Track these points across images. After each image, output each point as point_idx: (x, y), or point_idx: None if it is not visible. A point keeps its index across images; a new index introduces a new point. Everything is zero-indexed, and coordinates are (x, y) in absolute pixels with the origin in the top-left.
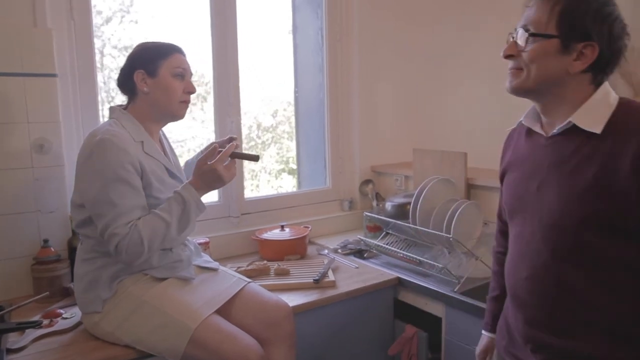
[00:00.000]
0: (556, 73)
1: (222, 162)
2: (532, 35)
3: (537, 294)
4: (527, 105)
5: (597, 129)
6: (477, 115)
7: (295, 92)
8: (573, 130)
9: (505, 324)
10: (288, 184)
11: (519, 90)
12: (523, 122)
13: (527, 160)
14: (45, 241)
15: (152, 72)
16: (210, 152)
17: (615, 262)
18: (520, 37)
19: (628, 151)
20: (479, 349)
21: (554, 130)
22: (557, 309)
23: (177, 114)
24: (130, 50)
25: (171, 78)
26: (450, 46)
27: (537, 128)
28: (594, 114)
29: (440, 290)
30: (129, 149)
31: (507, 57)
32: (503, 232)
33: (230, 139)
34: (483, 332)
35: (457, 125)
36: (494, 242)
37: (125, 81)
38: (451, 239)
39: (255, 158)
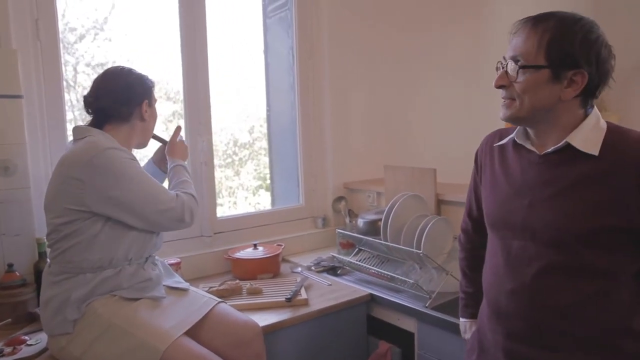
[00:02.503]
0: (548, 101)
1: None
2: (522, 67)
3: (522, 307)
4: (494, 123)
5: (595, 151)
6: (447, 131)
7: (267, 110)
8: (567, 150)
9: (477, 338)
10: (265, 201)
11: (513, 120)
12: (516, 140)
13: (516, 176)
14: (10, 265)
15: (150, 101)
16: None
17: (608, 276)
18: (511, 69)
19: (629, 172)
20: (468, 334)
21: (548, 150)
22: (543, 323)
23: (148, 142)
24: (104, 68)
25: (155, 108)
26: (420, 63)
27: (528, 145)
28: (588, 136)
29: (412, 306)
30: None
31: (499, 87)
32: (475, 230)
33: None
34: (463, 319)
35: (427, 141)
36: (462, 240)
37: (125, 108)
38: (421, 255)
39: (164, 142)
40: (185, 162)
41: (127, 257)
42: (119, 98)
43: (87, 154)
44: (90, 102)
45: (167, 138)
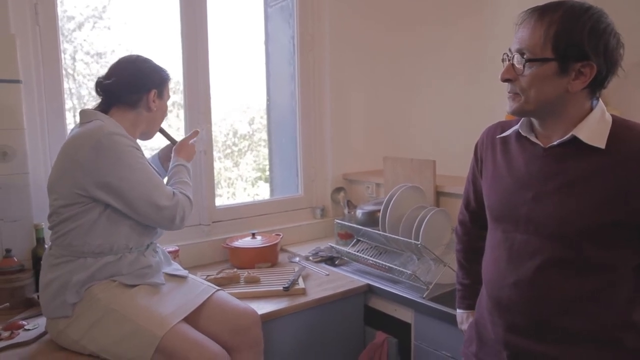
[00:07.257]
0: (555, 94)
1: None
2: (528, 60)
3: (524, 301)
4: (494, 116)
5: (601, 144)
6: (447, 123)
7: (267, 100)
8: (572, 143)
9: (476, 330)
10: (264, 192)
11: (520, 113)
12: (521, 132)
13: (520, 168)
14: (8, 251)
15: (161, 93)
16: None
17: (609, 270)
18: (517, 62)
19: (634, 166)
20: (465, 325)
21: (553, 142)
22: (545, 316)
23: (153, 135)
24: (103, 57)
25: (166, 103)
26: (421, 55)
27: (532, 137)
28: (594, 129)
29: (409, 297)
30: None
31: (505, 80)
32: (473, 222)
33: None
34: (460, 310)
35: (427, 133)
36: (459, 232)
37: (133, 93)
38: (419, 246)
39: (173, 141)
40: (189, 165)
41: (127, 245)
42: (129, 82)
43: (91, 137)
44: (101, 82)
45: (175, 137)
